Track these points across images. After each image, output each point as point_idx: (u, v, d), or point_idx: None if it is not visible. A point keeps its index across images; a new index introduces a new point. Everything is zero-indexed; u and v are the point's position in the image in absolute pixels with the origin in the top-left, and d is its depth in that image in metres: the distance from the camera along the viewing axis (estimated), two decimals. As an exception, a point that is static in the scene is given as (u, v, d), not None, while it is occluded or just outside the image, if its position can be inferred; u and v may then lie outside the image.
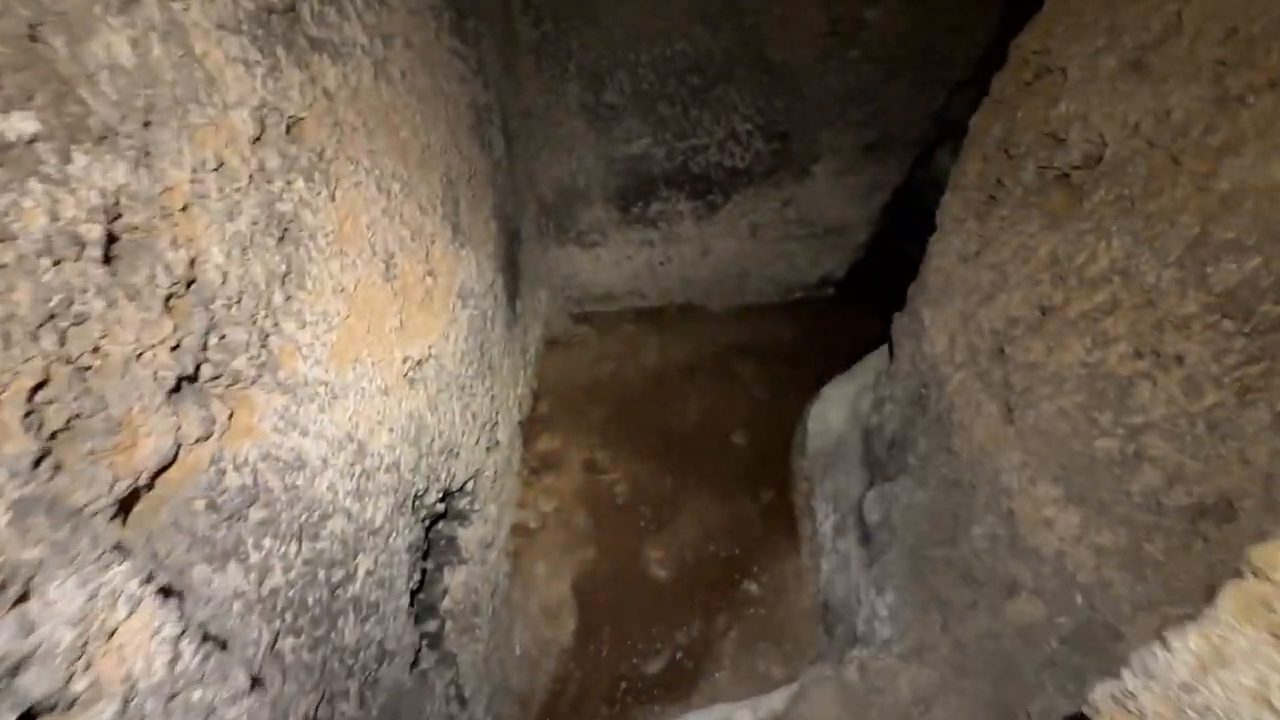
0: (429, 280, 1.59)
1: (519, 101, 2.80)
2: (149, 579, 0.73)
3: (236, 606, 0.90)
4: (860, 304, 3.73)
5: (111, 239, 0.71)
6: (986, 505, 1.44)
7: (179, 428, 0.80)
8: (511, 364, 2.62)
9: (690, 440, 2.77)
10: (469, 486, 2.01)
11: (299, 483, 1.05)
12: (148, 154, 0.75)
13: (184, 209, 0.81)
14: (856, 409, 2.23)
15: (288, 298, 1.02)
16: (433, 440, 1.63)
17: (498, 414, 2.33)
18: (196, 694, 0.77)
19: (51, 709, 0.61)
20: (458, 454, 1.85)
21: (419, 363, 1.52)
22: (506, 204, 2.57)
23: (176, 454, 0.80)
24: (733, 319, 3.59)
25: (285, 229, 1.01)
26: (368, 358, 1.28)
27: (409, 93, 1.48)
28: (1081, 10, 1.20)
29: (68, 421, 0.66)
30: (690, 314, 3.61)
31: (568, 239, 3.35)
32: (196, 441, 0.84)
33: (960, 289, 1.63)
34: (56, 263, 0.64)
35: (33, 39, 0.64)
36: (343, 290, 1.17)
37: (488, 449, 2.22)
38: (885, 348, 2.64)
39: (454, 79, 1.83)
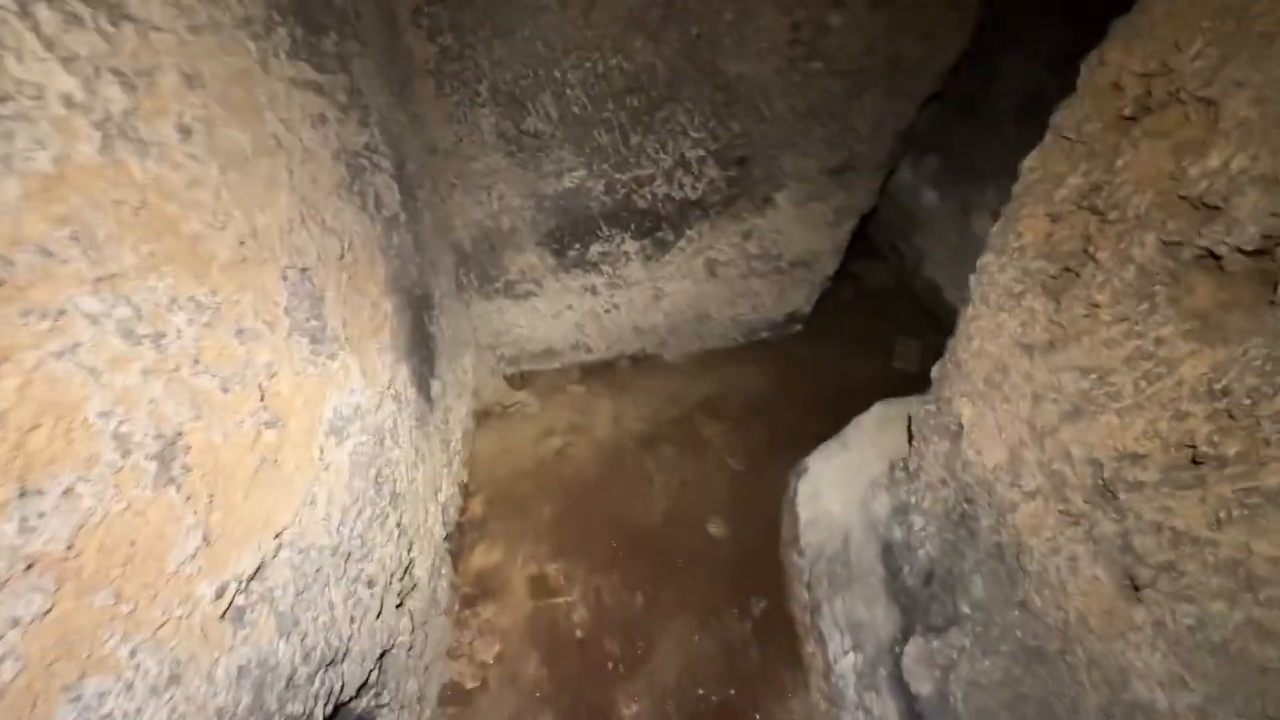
0: (267, 437, 1.04)
1: (419, 137, 2.25)
2: None
3: None
4: (829, 339, 3.35)
5: None
6: (1108, 713, 1.02)
7: None
8: (430, 469, 2.06)
9: (659, 536, 2.29)
10: (372, 678, 1.46)
11: None
12: None
13: None
14: (867, 508, 1.80)
15: None
16: (292, 673, 1.08)
17: (411, 548, 1.77)
18: None
19: None
20: (345, 655, 1.30)
21: (252, 577, 0.97)
22: (409, 268, 2.01)
23: None
24: (694, 369, 3.13)
25: None
26: (119, 647, 0.72)
27: (205, 158, 0.93)
28: (1248, 8, 0.79)
29: None
30: (645, 366, 3.13)
31: (495, 291, 2.81)
32: None
33: (1023, 388, 1.21)
34: None
35: None
36: (32, 564, 0.62)
37: (399, 604, 1.66)
38: (881, 416, 2.24)
39: (305, 123, 1.28)
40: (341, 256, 1.42)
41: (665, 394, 2.97)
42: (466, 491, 2.47)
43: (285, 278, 1.12)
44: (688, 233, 2.80)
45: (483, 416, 2.82)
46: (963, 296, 1.46)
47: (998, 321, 1.28)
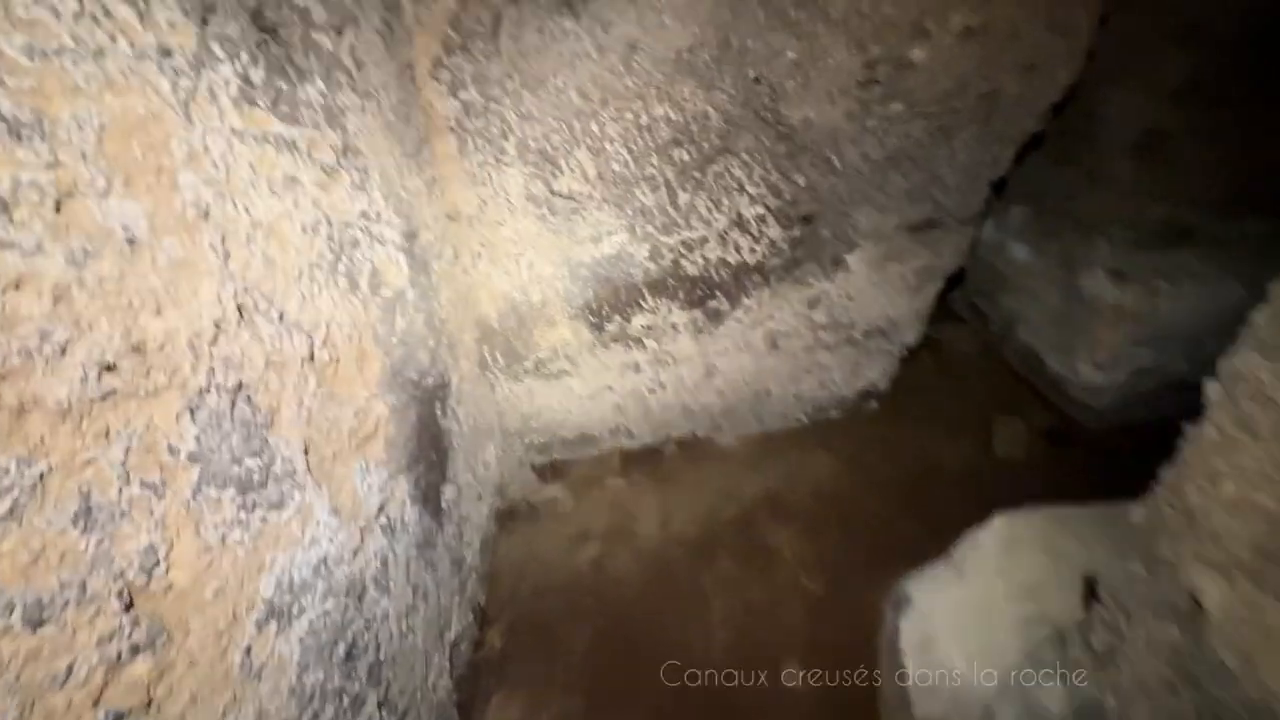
0: (135, 672, 0.66)
1: (437, 202, 1.96)
2: None
3: None
4: (909, 418, 2.87)
5: None
6: None
7: None
8: (435, 605, 1.66)
9: (721, 685, 1.80)
10: None
11: None
12: None
13: None
14: (1027, 696, 1.30)
15: None
16: None
17: (403, 725, 1.35)
18: None
19: None
20: None
21: None
22: (417, 354, 1.68)
23: None
24: (753, 455, 2.69)
25: None
26: None
27: (47, 245, 0.60)
28: None
29: None
30: (696, 453, 2.71)
31: (524, 371, 2.46)
32: None
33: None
34: None
35: None
36: None
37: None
38: (1007, 536, 1.74)
39: (257, 186, 0.96)
40: (310, 358, 1.08)
41: (721, 488, 2.52)
42: (483, 617, 2.05)
43: (194, 409, 0.77)
44: (745, 301, 2.42)
45: (506, 518, 2.42)
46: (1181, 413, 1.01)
47: (1275, 458, 0.82)
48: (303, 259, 1.09)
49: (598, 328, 2.40)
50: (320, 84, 1.22)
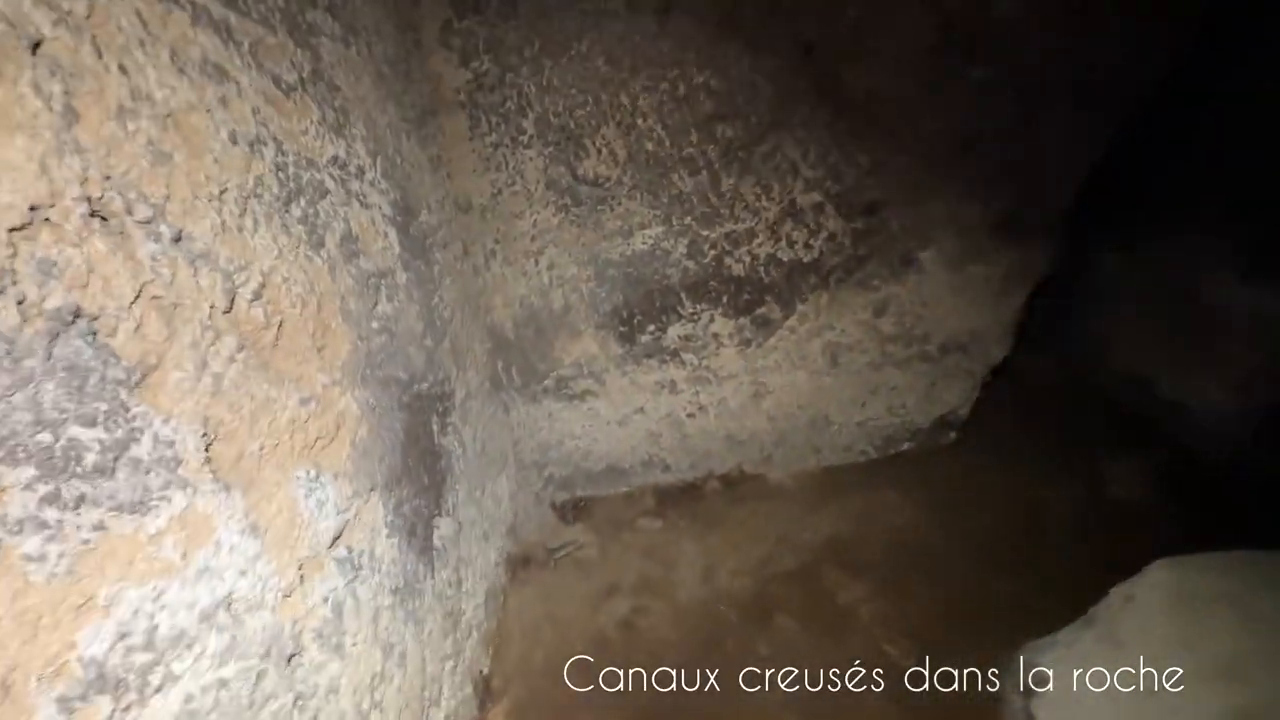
0: None
1: (443, 186, 1.70)
2: None
3: None
4: (995, 454, 2.42)
5: None
6: None
7: None
8: (418, 671, 1.28)
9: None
10: None
11: None
12: None
13: None
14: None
15: None
16: None
17: None
18: None
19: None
20: None
21: None
22: (407, 351, 1.37)
23: None
24: (811, 495, 2.27)
25: None
26: None
27: None
28: None
29: None
30: (744, 491, 2.31)
31: (543, 390, 2.14)
32: None
33: None
34: None
35: None
36: None
37: None
38: (1178, 588, 1.31)
39: (164, 66, 0.68)
40: (228, 309, 0.77)
41: (774, 533, 2.11)
42: (486, 688, 1.64)
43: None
44: (800, 307, 2.07)
45: (519, 565, 2.04)
46: None
47: None
48: (228, 176, 0.80)
49: (628, 339, 2.07)
50: (319, 43, 0.97)
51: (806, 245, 1.97)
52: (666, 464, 2.32)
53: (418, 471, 1.37)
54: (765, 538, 2.10)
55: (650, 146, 1.78)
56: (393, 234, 1.35)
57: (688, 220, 1.90)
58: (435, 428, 1.51)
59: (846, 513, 2.18)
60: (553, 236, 1.89)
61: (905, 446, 2.42)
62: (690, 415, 2.23)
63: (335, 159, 1.10)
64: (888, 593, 1.86)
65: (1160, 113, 2.24)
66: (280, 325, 0.89)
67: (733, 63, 1.69)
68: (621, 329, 2.05)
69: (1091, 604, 1.46)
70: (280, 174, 0.92)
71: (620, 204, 1.86)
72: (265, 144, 0.89)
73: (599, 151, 1.78)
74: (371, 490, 1.13)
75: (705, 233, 1.92)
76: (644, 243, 1.92)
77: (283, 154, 0.93)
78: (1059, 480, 2.29)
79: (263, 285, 0.85)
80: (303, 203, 0.98)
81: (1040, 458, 2.40)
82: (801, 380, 2.21)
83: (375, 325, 1.21)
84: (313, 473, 0.94)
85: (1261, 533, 1.98)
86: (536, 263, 1.93)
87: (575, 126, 1.74)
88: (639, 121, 1.75)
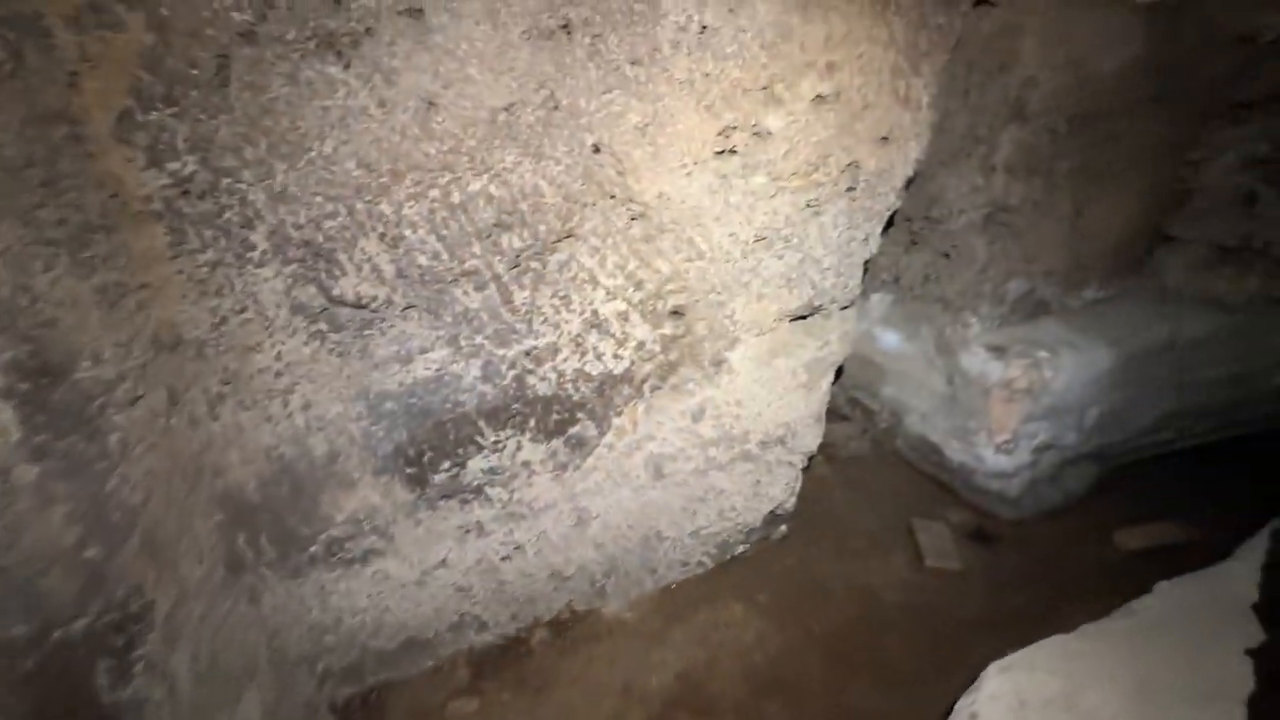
0: None
1: (132, 321, 1.27)
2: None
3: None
4: (825, 538, 2.43)
5: None
6: None
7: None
8: None
9: None
10: None
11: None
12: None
13: None
14: None
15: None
16: None
17: None
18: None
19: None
20: None
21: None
22: (49, 596, 0.90)
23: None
24: (654, 624, 2.04)
25: None
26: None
27: None
28: None
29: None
30: (578, 635, 2.00)
31: (308, 560, 1.67)
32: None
33: None
34: None
35: None
36: None
37: None
38: (1016, 697, 1.26)
39: None
40: None
41: (618, 682, 1.82)
42: None
43: None
44: (616, 421, 1.90)
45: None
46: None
47: None
48: None
49: (419, 481, 1.72)
50: None
51: (616, 355, 1.82)
52: (481, 621, 1.94)
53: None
54: (608, 691, 1.80)
55: (424, 260, 1.52)
56: (6, 412, 0.91)
57: (479, 340, 1.64)
58: (104, 682, 1.02)
59: (693, 639, 1.97)
60: (306, 371, 1.51)
61: (741, 549, 2.31)
62: (505, 558, 1.90)
63: None
64: (747, 735, 1.65)
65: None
66: None
67: (512, 168, 1.52)
68: (409, 471, 1.69)
69: (941, 705, 1.39)
70: None
71: (393, 326, 1.55)
72: None
73: (359, 268, 1.47)
74: None
75: (501, 352, 1.68)
76: (427, 369, 1.62)
77: None
78: (886, 557, 2.33)
79: None
80: None
81: (864, 535, 2.44)
82: (627, 498, 2.01)
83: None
84: None
85: (1062, 586, 2.17)
86: (286, 404, 1.52)
87: (326, 240, 1.43)
88: (407, 233, 1.49)
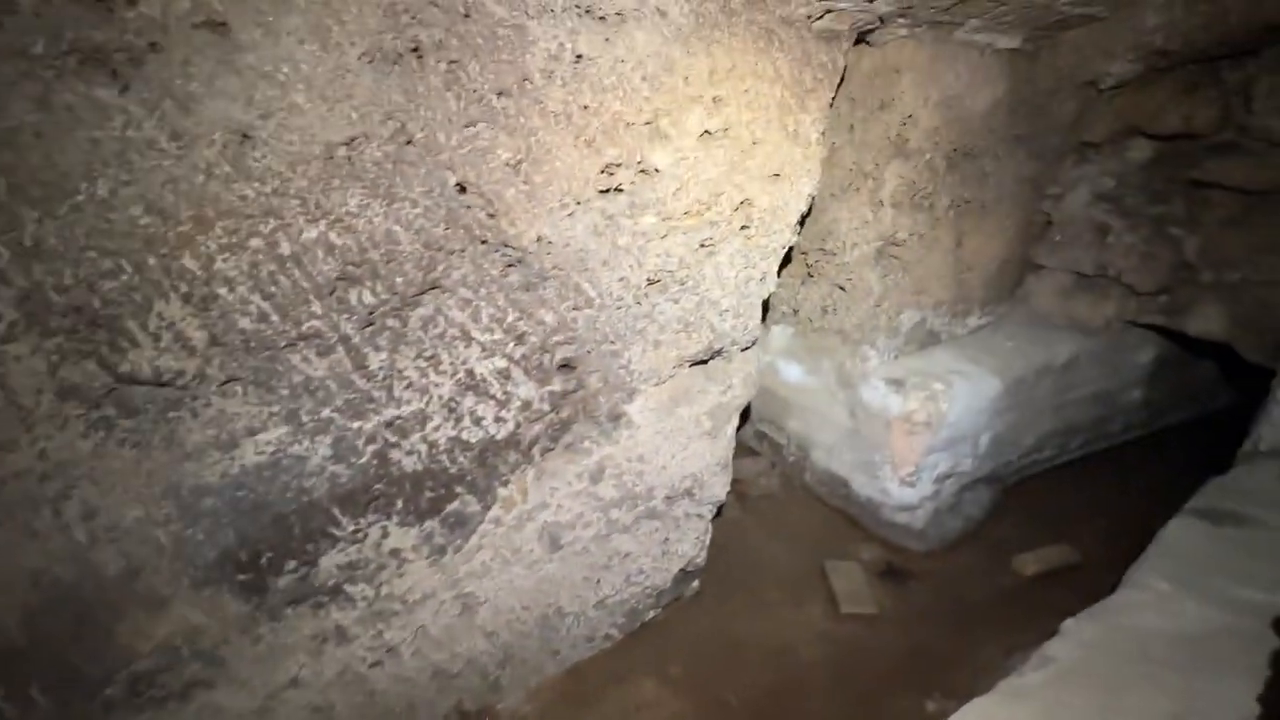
0: None
1: None
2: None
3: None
4: (739, 591, 2.30)
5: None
6: None
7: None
8: None
9: None
10: None
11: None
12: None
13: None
14: None
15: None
16: None
17: None
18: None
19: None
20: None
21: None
22: None
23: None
24: (558, 715, 1.80)
25: None
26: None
27: None
28: None
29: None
30: (468, 741, 1.73)
31: (103, 707, 1.31)
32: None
33: None
34: None
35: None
36: None
37: None
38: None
39: None
40: None
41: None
42: None
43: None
44: (502, 492, 1.67)
45: None
46: None
47: None
48: None
49: (256, 589, 1.40)
50: None
51: (498, 419, 1.60)
52: (350, 743, 1.63)
53: None
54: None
55: (248, 324, 1.24)
56: None
57: (326, 413, 1.38)
58: None
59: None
60: (86, 470, 1.18)
61: (651, 615, 2.13)
62: (375, 664, 1.61)
63: None
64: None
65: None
66: None
67: (357, 213, 1.29)
68: (242, 578, 1.38)
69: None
70: None
71: (209, 406, 1.26)
72: None
73: (157, 337, 1.18)
74: None
75: (356, 425, 1.42)
76: (260, 453, 1.33)
77: None
78: (800, 606, 2.23)
79: None
80: None
81: (779, 582, 2.34)
82: (520, 576, 1.77)
83: None
84: None
85: (976, 621, 2.16)
86: (58, 514, 1.18)
87: (106, 305, 1.13)
88: (222, 292, 1.21)
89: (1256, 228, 2.44)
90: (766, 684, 1.91)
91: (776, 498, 2.86)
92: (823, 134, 1.92)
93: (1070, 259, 2.91)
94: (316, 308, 1.30)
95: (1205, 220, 2.56)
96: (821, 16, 1.79)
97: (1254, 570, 1.69)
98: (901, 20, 2.02)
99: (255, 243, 1.21)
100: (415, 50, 1.25)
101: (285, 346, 1.30)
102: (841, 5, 1.78)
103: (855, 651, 2.04)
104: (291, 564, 1.43)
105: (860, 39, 2.13)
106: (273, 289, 1.25)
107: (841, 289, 2.59)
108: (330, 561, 1.47)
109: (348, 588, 1.51)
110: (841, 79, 1.93)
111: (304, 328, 1.30)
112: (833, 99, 1.91)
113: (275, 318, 1.27)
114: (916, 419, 2.34)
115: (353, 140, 1.24)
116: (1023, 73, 2.43)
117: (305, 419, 1.36)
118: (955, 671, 1.91)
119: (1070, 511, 2.75)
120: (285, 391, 1.32)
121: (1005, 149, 2.57)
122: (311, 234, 1.26)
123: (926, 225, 2.45)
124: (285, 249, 1.24)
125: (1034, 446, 2.85)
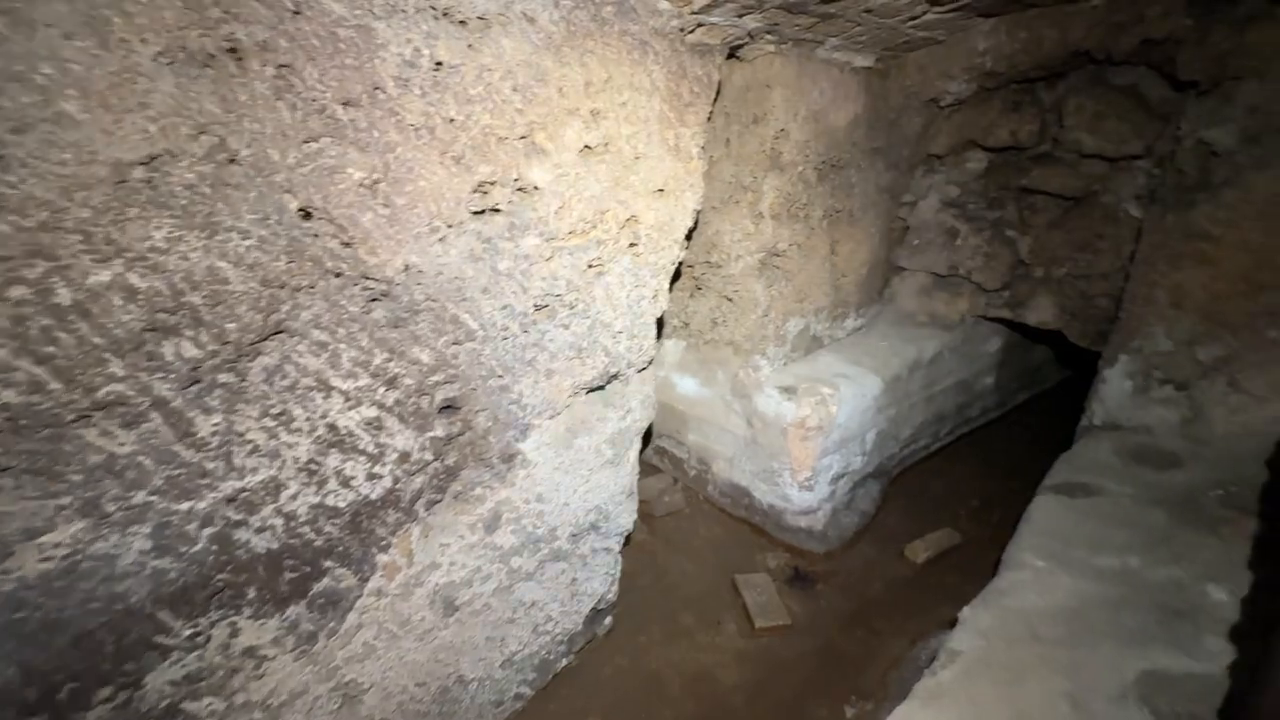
0: None
1: None
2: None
3: None
4: (650, 622, 2.21)
5: None
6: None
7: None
8: None
9: None
10: None
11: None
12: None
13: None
14: None
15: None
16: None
17: None
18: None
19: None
20: None
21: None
22: None
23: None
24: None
25: None
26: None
27: None
28: None
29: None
30: None
31: None
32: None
33: None
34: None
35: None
36: None
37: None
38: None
39: None
40: None
41: None
42: None
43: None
44: (382, 559, 1.46)
45: None
46: None
47: None
48: None
49: (53, 733, 1.09)
50: None
51: (371, 476, 1.39)
52: None
53: None
54: None
55: (14, 397, 0.96)
56: None
57: (140, 497, 1.10)
58: None
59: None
60: None
61: (565, 663, 1.98)
62: (233, 790, 1.32)
63: None
64: None
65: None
66: None
67: (166, 247, 1.04)
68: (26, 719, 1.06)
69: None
70: None
71: (-39, 508, 0.95)
72: None
73: None
74: None
75: (184, 507, 1.15)
76: (46, 559, 1.04)
77: None
78: (715, 628, 2.19)
79: None
80: None
81: (691, 604, 2.28)
82: (411, 650, 1.56)
83: None
84: None
85: (872, 614, 2.22)
86: None
87: None
88: (-29, 356, 0.92)
89: (1073, 229, 2.77)
90: (689, 716, 1.83)
91: (682, 514, 2.82)
92: (703, 148, 1.90)
93: (927, 261, 3.15)
94: (116, 368, 1.04)
95: (1034, 223, 2.86)
96: (694, 30, 1.76)
97: (1106, 536, 1.87)
98: (769, 36, 2.05)
99: (18, 292, 0.93)
100: (232, 51, 1.04)
101: (74, 421, 1.02)
102: (713, 19, 1.76)
103: (772, 667, 2.02)
104: (105, 691, 1.13)
105: (732, 53, 2.15)
106: (49, 350, 0.97)
107: (730, 300, 2.60)
108: (160, 679, 1.19)
109: (188, 705, 1.23)
110: (717, 93, 1.92)
111: (99, 395, 1.03)
112: (710, 113, 1.89)
113: (56, 386, 0.99)
114: (810, 424, 2.39)
115: (153, 159, 1.00)
116: (876, 90, 2.58)
117: (111, 508, 1.08)
118: (868, 671, 1.95)
119: (946, 495, 2.95)
120: (78, 477, 1.04)
121: (866, 161, 2.73)
122: (103, 277, 1.00)
123: (804, 235, 2.53)
124: (65, 298, 0.97)
125: (911, 437, 3.04)
